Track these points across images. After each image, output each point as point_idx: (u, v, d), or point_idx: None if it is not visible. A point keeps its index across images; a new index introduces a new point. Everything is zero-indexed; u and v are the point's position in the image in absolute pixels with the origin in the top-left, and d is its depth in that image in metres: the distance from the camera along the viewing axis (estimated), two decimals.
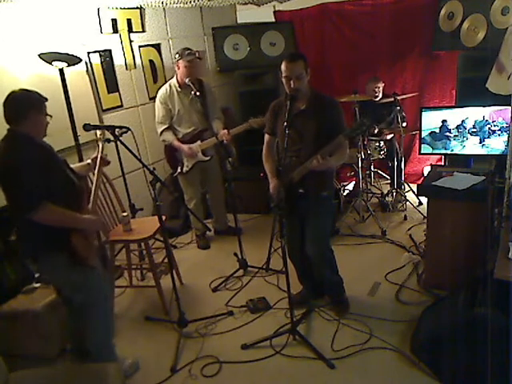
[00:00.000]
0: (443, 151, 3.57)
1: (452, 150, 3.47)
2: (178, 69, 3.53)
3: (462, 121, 3.35)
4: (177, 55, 3.50)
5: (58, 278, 2.31)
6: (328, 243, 2.79)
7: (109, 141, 3.34)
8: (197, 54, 3.50)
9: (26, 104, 2.09)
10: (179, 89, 3.59)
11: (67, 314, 2.44)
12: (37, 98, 2.14)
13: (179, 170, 3.76)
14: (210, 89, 3.77)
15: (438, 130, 3.48)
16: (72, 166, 2.41)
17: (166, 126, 3.63)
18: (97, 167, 2.52)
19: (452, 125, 3.41)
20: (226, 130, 3.61)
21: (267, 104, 2.76)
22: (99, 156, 2.54)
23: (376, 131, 4.38)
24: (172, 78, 3.68)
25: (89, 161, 2.57)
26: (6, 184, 2.06)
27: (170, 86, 3.62)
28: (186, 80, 3.44)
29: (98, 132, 2.78)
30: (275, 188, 2.62)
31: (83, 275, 2.23)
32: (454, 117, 3.42)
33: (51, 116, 2.20)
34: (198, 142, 3.66)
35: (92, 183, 2.60)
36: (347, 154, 2.58)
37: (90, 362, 2.35)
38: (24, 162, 2.02)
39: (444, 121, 3.44)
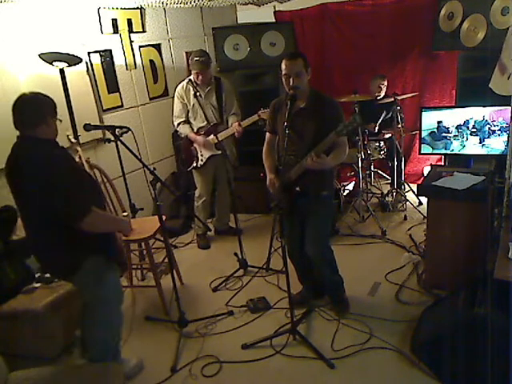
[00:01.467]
0: (443, 151, 3.56)
1: (452, 150, 3.47)
2: (192, 68, 3.63)
3: (465, 121, 3.35)
4: (189, 57, 3.61)
5: (93, 284, 2.14)
6: (328, 243, 2.79)
7: (109, 141, 3.36)
8: (207, 61, 3.56)
9: (44, 109, 2.01)
10: (195, 84, 3.66)
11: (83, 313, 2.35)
12: (51, 102, 2.06)
13: (194, 164, 3.81)
14: (228, 86, 3.86)
15: (435, 131, 3.48)
16: None
17: (182, 120, 3.76)
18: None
19: (451, 125, 3.41)
20: (237, 122, 3.69)
21: (267, 104, 2.76)
22: (84, 160, 2.51)
23: (376, 130, 4.38)
24: (189, 75, 3.78)
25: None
26: (54, 194, 1.90)
27: (187, 81, 3.72)
28: (199, 81, 3.57)
29: (72, 138, 2.73)
30: (271, 181, 2.63)
31: (115, 276, 2.24)
32: (451, 117, 3.41)
33: (61, 120, 2.14)
34: (212, 136, 3.68)
35: None
36: (346, 154, 2.56)
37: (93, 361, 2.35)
38: (66, 168, 1.95)
39: (439, 122, 3.43)
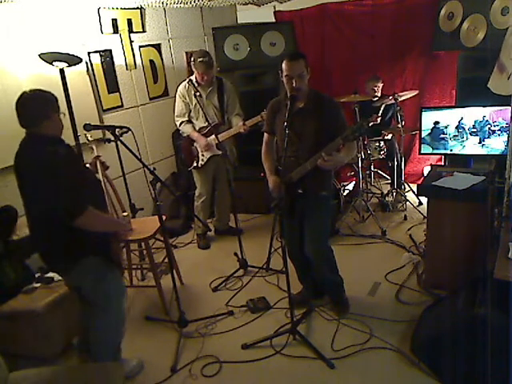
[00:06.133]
0: (443, 151, 3.57)
1: (451, 150, 3.48)
2: (195, 69, 3.62)
3: (459, 121, 3.35)
4: (192, 58, 3.60)
5: (93, 283, 2.16)
6: (327, 243, 2.78)
7: (109, 141, 3.36)
8: (210, 61, 3.56)
9: (46, 104, 2.03)
10: (196, 84, 3.66)
11: (84, 313, 2.36)
12: (53, 98, 2.08)
13: (195, 164, 3.81)
14: (230, 87, 3.86)
15: (429, 132, 3.48)
16: None
17: (185, 119, 3.76)
18: (100, 172, 2.50)
19: (449, 125, 3.41)
20: (241, 122, 3.69)
21: (267, 104, 2.76)
22: (98, 161, 2.51)
23: (379, 120, 4.36)
24: (190, 75, 3.77)
25: (87, 165, 2.54)
26: (49, 191, 1.93)
27: (189, 82, 3.71)
28: (203, 81, 3.59)
29: (89, 135, 2.74)
30: (275, 184, 2.62)
31: (115, 277, 2.24)
32: (447, 117, 3.41)
33: (64, 114, 2.15)
34: (213, 136, 3.68)
35: None
36: (355, 150, 2.59)
37: (94, 360, 2.35)
38: (63, 166, 1.95)
39: (436, 122, 3.43)
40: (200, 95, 3.61)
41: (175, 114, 3.81)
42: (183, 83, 3.76)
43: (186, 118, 3.76)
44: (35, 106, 2.02)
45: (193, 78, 3.71)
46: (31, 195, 2.00)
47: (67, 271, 2.18)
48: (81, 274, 2.13)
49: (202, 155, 3.78)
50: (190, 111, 3.76)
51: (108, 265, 2.17)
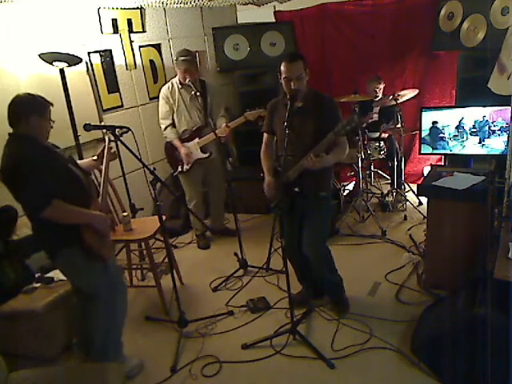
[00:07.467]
0: (443, 151, 3.57)
1: (451, 150, 3.48)
2: (177, 68, 3.59)
3: (459, 121, 3.35)
4: (175, 57, 3.57)
5: (72, 273, 2.35)
6: (325, 243, 2.76)
7: (109, 141, 3.36)
8: (195, 57, 3.53)
9: (27, 109, 2.12)
10: (180, 86, 3.65)
11: (76, 308, 2.46)
12: (40, 103, 2.16)
13: (179, 169, 3.78)
14: (214, 89, 3.82)
15: (428, 132, 3.48)
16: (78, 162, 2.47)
17: (169, 122, 3.71)
18: (104, 159, 2.52)
19: (449, 125, 3.41)
20: (224, 125, 3.64)
21: (267, 104, 2.77)
22: (106, 146, 2.54)
23: (370, 120, 4.38)
24: (174, 76, 3.73)
25: (94, 157, 2.56)
26: (15, 185, 2.10)
27: (172, 83, 3.70)
28: (186, 81, 3.52)
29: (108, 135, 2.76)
30: (269, 184, 2.64)
31: (96, 270, 2.28)
32: (448, 117, 3.40)
33: (54, 121, 2.23)
34: (196, 140, 3.67)
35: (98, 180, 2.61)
36: (346, 151, 2.55)
37: (94, 358, 2.37)
38: (30, 163, 2.06)
39: (435, 122, 3.42)
40: (185, 96, 3.58)
41: (159, 117, 3.74)
42: (167, 84, 3.72)
43: (170, 121, 3.70)
44: (14, 109, 2.13)
45: (175, 79, 3.67)
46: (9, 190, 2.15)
47: (53, 259, 2.33)
48: (63, 262, 2.30)
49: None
50: (173, 113, 3.69)
51: (89, 256, 2.23)
